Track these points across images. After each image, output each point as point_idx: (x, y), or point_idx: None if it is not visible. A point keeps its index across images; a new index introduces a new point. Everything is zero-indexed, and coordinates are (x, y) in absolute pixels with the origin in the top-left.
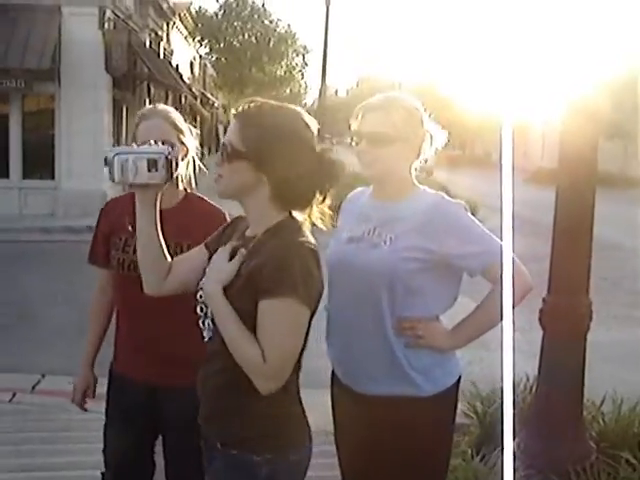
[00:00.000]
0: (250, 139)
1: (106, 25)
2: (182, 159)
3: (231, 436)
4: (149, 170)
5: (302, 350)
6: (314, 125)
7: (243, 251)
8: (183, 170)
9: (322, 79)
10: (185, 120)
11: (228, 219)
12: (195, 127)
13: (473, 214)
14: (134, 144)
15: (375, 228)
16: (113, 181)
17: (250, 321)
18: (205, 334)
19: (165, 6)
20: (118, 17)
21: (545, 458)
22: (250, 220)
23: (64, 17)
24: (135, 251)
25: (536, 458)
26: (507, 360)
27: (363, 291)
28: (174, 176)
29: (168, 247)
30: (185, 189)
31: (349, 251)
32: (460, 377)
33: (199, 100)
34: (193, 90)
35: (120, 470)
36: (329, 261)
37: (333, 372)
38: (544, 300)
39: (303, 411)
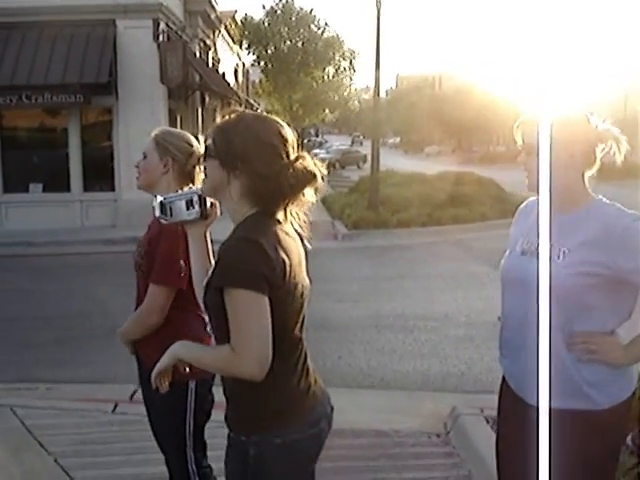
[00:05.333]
0: (221, 141)
1: (160, 37)
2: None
3: (229, 419)
4: (187, 209)
5: (286, 330)
6: (289, 135)
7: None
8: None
9: (375, 81)
10: None
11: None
12: None
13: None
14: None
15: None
16: (164, 222)
17: (217, 316)
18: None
19: (213, 15)
20: (171, 29)
21: None
22: (231, 218)
23: (119, 31)
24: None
25: None
26: None
27: (535, 305)
28: (208, 211)
29: (139, 243)
30: None
31: (521, 264)
32: (636, 390)
33: (243, 107)
34: (239, 97)
35: None
36: (502, 273)
37: (504, 382)
38: None
39: (302, 394)
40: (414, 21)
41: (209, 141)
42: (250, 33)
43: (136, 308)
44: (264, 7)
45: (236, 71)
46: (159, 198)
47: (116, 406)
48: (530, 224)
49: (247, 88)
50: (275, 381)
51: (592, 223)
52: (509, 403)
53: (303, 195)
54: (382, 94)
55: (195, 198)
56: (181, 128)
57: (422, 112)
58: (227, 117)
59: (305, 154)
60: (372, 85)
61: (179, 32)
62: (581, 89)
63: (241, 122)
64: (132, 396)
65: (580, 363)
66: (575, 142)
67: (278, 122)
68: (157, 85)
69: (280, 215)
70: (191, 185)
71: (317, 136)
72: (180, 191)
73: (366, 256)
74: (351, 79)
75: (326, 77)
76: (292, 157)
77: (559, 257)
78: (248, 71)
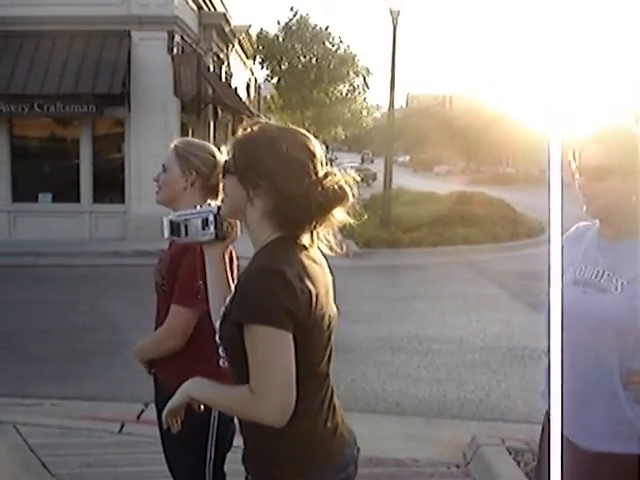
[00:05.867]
0: (242, 156)
1: (174, 50)
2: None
3: (246, 460)
4: (203, 228)
5: (311, 368)
6: (317, 149)
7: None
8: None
9: (390, 100)
10: None
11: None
12: None
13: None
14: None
15: (604, 271)
16: (176, 241)
17: (235, 350)
18: (221, 362)
19: (227, 29)
20: (185, 41)
21: None
22: (252, 241)
23: (133, 42)
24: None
25: None
26: None
27: (589, 340)
28: (225, 232)
29: (160, 261)
30: None
31: (574, 295)
32: None
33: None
34: (251, 112)
35: None
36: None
37: (546, 419)
38: None
39: (329, 437)
40: (426, 40)
41: (228, 156)
42: (264, 48)
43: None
44: (279, 22)
45: (248, 86)
46: (170, 216)
47: (123, 426)
48: (583, 251)
49: (259, 103)
50: (299, 424)
51: None
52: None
53: (332, 216)
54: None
55: (211, 217)
56: None
57: (432, 131)
58: (248, 129)
59: (335, 170)
60: (383, 103)
61: (193, 45)
62: (592, 112)
63: (264, 135)
64: (139, 416)
65: (638, 404)
66: (636, 164)
67: (305, 134)
68: (170, 98)
69: (306, 239)
70: (209, 201)
71: (327, 153)
72: (198, 207)
73: (378, 275)
74: (364, 98)
75: (339, 94)
76: (321, 174)
77: (617, 288)
78: (260, 86)
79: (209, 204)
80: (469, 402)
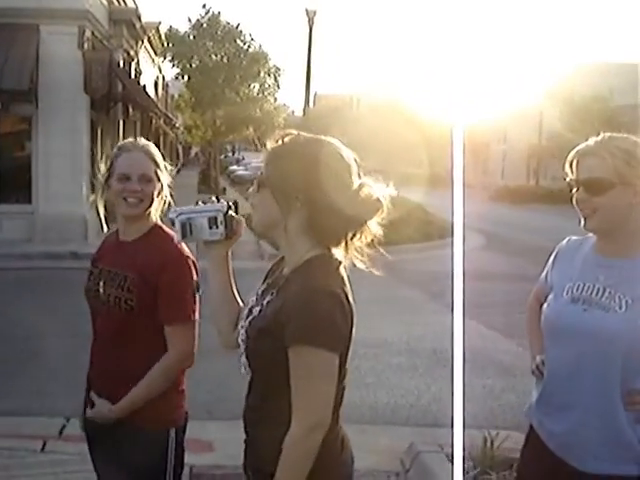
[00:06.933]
0: (277, 168)
1: (85, 45)
2: (157, 195)
3: (250, 467)
4: (210, 227)
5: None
6: (352, 159)
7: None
8: (158, 205)
9: (305, 99)
10: (151, 141)
11: (191, 263)
12: (159, 147)
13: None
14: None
15: (605, 288)
16: (181, 240)
17: (271, 364)
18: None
19: (138, 26)
20: (96, 37)
21: None
22: (285, 258)
23: (42, 36)
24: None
25: None
26: None
27: (590, 359)
28: (233, 231)
29: (115, 274)
30: (155, 223)
31: (574, 313)
32: None
33: (162, 120)
34: (160, 110)
35: None
36: (548, 321)
37: (533, 435)
38: None
39: (340, 447)
40: (332, 39)
41: (263, 168)
42: (174, 45)
43: (97, 356)
44: (190, 20)
45: (156, 84)
46: (175, 216)
47: (45, 444)
48: (580, 267)
49: (166, 102)
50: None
51: None
52: (544, 463)
53: (368, 228)
54: (299, 113)
55: (220, 217)
56: (102, 141)
57: (342, 132)
58: (279, 141)
59: (368, 180)
60: (290, 103)
61: (104, 41)
62: (498, 108)
63: (298, 145)
64: (61, 431)
65: (638, 424)
66: (636, 177)
67: (337, 144)
68: (80, 95)
69: (340, 253)
70: (213, 198)
71: (234, 152)
72: (201, 204)
73: None
74: (275, 98)
75: (250, 93)
76: (355, 185)
77: (621, 307)
78: (168, 84)
79: (213, 201)
80: (400, 407)
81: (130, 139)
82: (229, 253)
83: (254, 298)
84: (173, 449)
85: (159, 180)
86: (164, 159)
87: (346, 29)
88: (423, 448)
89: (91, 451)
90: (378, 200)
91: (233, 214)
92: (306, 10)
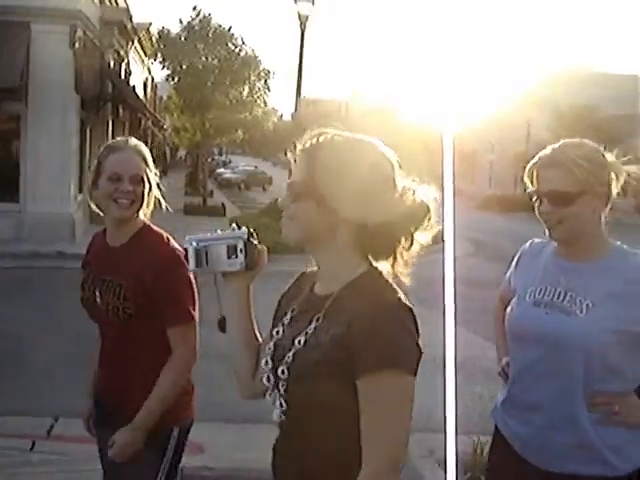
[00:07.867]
0: (319, 175)
1: (76, 44)
2: (148, 194)
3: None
4: (229, 257)
5: None
6: (394, 159)
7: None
8: (148, 206)
9: (296, 104)
10: (143, 142)
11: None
12: (149, 149)
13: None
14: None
15: (566, 292)
16: (193, 270)
17: (334, 401)
18: (275, 415)
19: (129, 26)
20: (88, 37)
21: None
22: (323, 274)
23: (33, 34)
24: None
25: None
26: None
27: (552, 362)
28: (254, 261)
29: (109, 282)
30: (144, 223)
31: (536, 316)
32: None
33: (151, 122)
34: (149, 112)
35: None
36: (512, 324)
37: (499, 437)
38: None
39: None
40: (322, 43)
41: (300, 175)
42: (165, 47)
43: (106, 366)
44: (181, 21)
45: (145, 85)
46: (192, 244)
47: (34, 444)
48: (542, 270)
49: (155, 103)
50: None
51: (618, 273)
52: (511, 464)
53: (416, 239)
54: (287, 117)
55: (240, 245)
56: (91, 141)
57: None
58: (313, 141)
59: (409, 183)
60: (279, 107)
61: (95, 41)
62: (485, 116)
63: (338, 147)
64: (49, 431)
65: (600, 425)
66: (598, 185)
67: (378, 143)
68: (70, 94)
69: (386, 266)
70: (234, 225)
71: (221, 155)
72: (219, 231)
73: (277, 282)
74: (265, 102)
75: (240, 97)
76: (400, 188)
77: (582, 311)
78: (157, 86)
79: (233, 228)
80: None
81: (121, 138)
82: (250, 288)
83: (279, 329)
84: (173, 448)
85: (149, 181)
86: (153, 161)
87: (336, 34)
88: (413, 453)
89: (100, 448)
90: (425, 205)
91: (255, 242)
92: (298, 14)
